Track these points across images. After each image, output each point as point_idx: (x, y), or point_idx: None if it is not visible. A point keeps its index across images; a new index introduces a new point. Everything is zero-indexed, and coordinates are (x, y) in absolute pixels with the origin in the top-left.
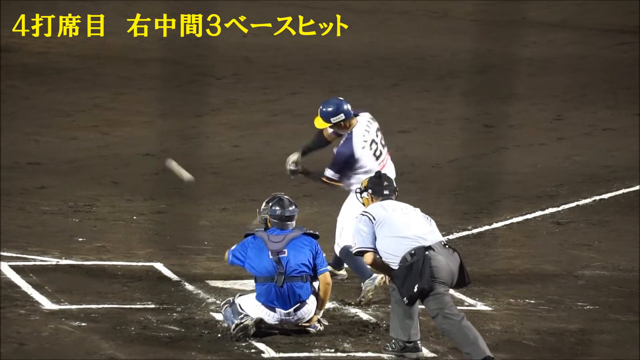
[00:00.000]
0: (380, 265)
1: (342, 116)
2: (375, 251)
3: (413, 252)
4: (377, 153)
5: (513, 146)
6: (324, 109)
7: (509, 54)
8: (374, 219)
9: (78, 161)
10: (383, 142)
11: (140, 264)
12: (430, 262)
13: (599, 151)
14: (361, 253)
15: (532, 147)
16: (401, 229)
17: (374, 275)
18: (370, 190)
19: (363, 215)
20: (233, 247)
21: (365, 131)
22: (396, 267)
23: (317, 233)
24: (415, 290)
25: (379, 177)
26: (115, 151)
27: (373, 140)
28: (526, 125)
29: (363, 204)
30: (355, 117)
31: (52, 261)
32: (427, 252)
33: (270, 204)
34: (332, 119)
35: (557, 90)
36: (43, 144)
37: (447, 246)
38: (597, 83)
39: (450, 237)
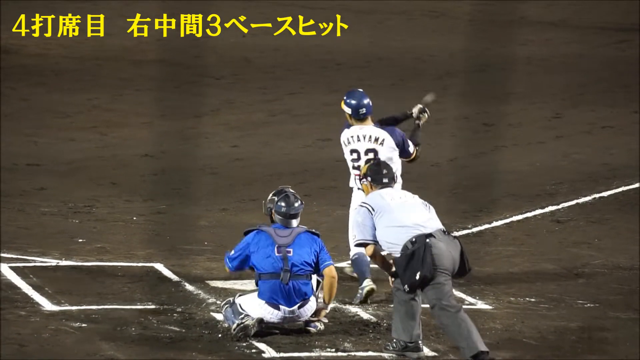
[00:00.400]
0: (380, 258)
1: (348, 110)
2: (376, 242)
3: (414, 239)
4: (355, 165)
5: (512, 145)
6: (345, 95)
7: (507, 53)
8: (373, 209)
9: (77, 162)
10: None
11: (140, 264)
12: (432, 249)
13: (598, 149)
14: (361, 245)
15: (531, 146)
16: (400, 218)
17: (363, 284)
18: (369, 178)
19: (362, 206)
20: (230, 253)
21: (350, 137)
22: (398, 255)
23: (318, 232)
24: (417, 277)
25: (378, 164)
26: (114, 152)
27: (355, 150)
28: (525, 124)
29: (363, 190)
30: (359, 119)
31: (52, 262)
32: (427, 240)
33: (277, 199)
34: (343, 105)
35: (555, 88)
36: (42, 145)
37: (447, 233)
38: (595, 81)
39: None
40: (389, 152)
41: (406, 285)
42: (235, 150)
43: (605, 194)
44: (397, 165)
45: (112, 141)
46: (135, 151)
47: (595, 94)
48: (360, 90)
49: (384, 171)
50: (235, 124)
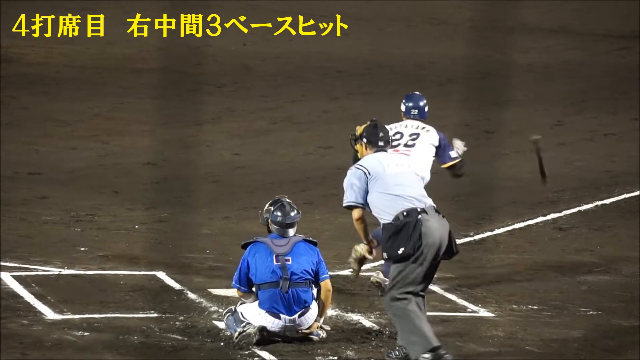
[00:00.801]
0: (364, 225)
1: (402, 107)
2: (365, 206)
3: (406, 213)
4: (395, 143)
5: (513, 152)
6: (404, 97)
7: (508, 60)
8: (369, 173)
9: (78, 171)
10: (409, 143)
11: (142, 273)
12: (421, 227)
13: (600, 156)
14: (350, 207)
15: (532, 153)
16: (395, 187)
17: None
18: (365, 140)
19: (358, 169)
20: (235, 278)
21: (397, 124)
22: (386, 222)
23: (315, 240)
24: (400, 252)
25: (375, 126)
26: (115, 160)
27: (399, 132)
28: (526, 131)
29: (356, 151)
30: (410, 118)
31: (55, 271)
32: (419, 216)
33: (273, 209)
34: (401, 105)
35: (557, 96)
36: (43, 153)
37: (437, 211)
38: (596, 88)
39: None
40: (430, 143)
41: (385, 254)
42: (236, 158)
43: (607, 201)
44: (427, 170)
45: (113, 149)
46: (136, 159)
47: (597, 101)
48: (419, 93)
49: (380, 134)
50: (237, 131)
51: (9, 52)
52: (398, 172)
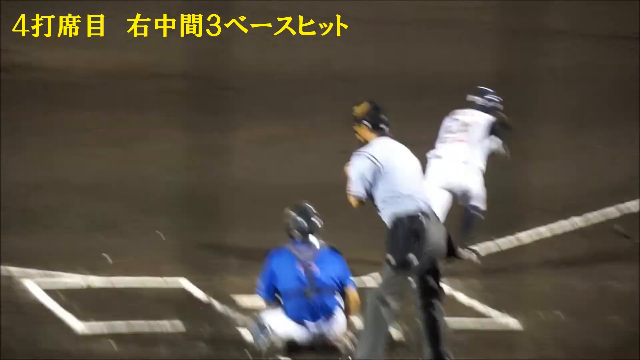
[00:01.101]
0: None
1: (468, 98)
2: (364, 197)
3: (411, 215)
4: (451, 129)
5: (536, 159)
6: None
7: (527, 65)
8: (382, 166)
9: (102, 178)
10: (461, 128)
11: (167, 282)
12: (425, 233)
13: (624, 162)
14: (355, 197)
15: (555, 159)
16: (404, 186)
17: None
18: (366, 121)
19: (370, 159)
20: (259, 284)
21: (459, 110)
22: (385, 218)
23: (338, 249)
24: (407, 258)
25: (377, 107)
26: (137, 168)
27: (456, 119)
28: (547, 138)
29: (356, 132)
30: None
31: (80, 280)
32: (423, 220)
33: (295, 215)
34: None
35: (577, 100)
36: (66, 162)
37: (435, 214)
38: (619, 93)
39: None
40: (484, 127)
41: (392, 257)
42: (257, 165)
43: (632, 207)
44: (482, 159)
45: (135, 157)
46: (158, 167)
47: (620, 105)
48: (485, 88)
49: (382, 116)
50: (257, 138)
51: (20, 60)
52: (407, 166)
